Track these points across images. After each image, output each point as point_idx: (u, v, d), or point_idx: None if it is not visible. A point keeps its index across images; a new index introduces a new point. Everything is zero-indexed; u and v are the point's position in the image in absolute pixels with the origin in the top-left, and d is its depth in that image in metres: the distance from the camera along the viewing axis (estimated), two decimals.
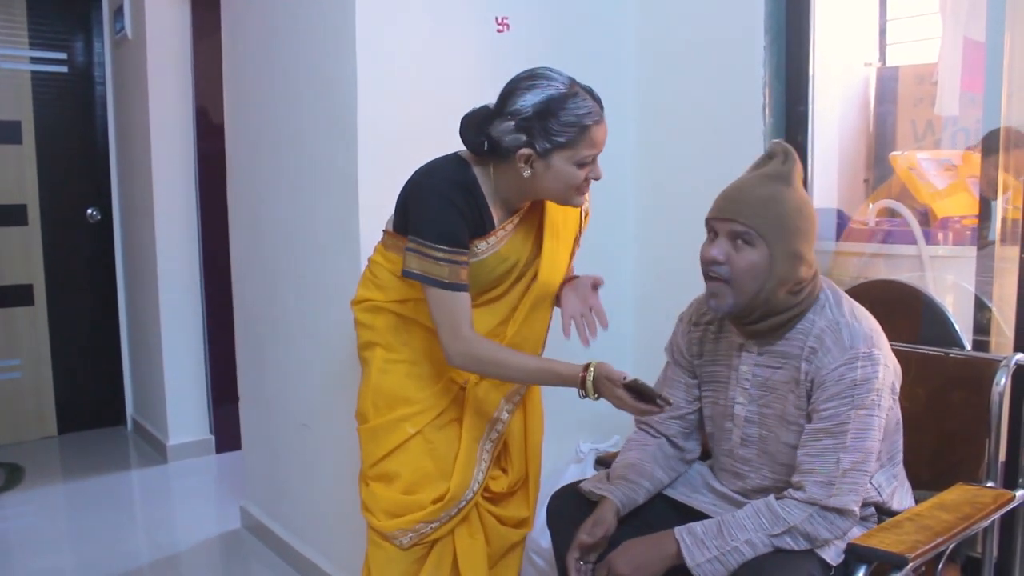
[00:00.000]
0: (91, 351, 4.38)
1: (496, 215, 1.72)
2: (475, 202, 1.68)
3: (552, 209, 1.78)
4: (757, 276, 1.50)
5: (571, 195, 1.68)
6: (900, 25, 3.05)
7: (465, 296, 1.67)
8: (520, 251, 1.78)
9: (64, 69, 4.22)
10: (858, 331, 1.50)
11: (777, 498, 1.48)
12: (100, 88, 4.29)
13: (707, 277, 1.56)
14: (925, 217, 2.53)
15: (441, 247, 1.63)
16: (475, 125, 1.67)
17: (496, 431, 1.83)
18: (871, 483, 1.56)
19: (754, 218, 1.50)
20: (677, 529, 1.50)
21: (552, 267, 1.80)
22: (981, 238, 2.24)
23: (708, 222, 1.57)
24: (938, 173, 2.55)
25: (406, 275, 1.68)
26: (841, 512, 1.45)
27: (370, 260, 1.85)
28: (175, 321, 3.88)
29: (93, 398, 4.40)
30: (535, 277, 1.80)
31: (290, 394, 2.71)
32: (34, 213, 4.15)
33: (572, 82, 1.64)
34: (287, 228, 2.62)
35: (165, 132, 3.78)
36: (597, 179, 1.69)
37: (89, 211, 4.31)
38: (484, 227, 1.71)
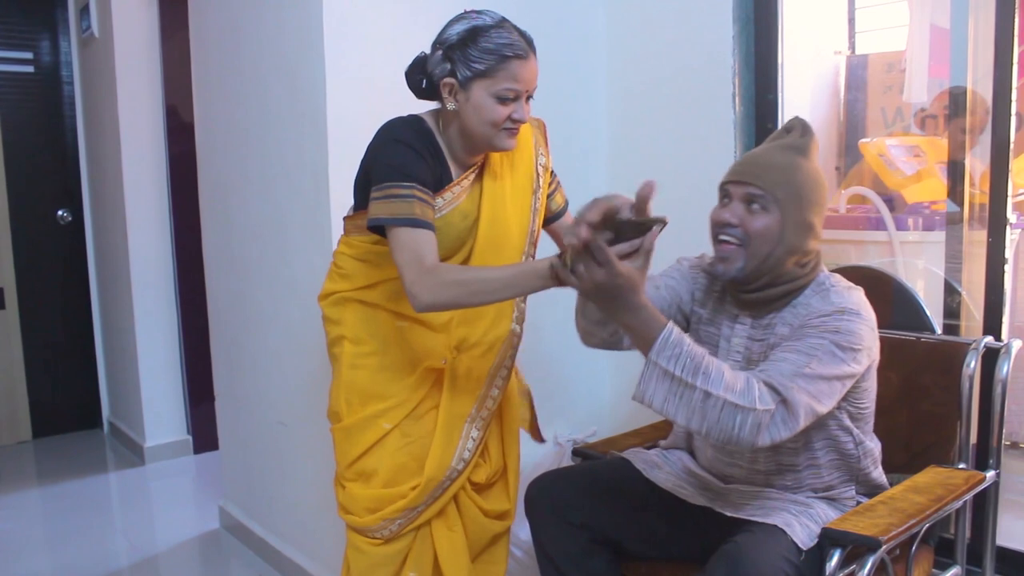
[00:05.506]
0: (65, 354, 4.33)
1: (453, 169, 1.71)
2: (434, 150, 1.68)
3: (494, 156, 1.76)
4: (768, 240, 1.52)
5: (495, 134, 1.64)
6: (869, 13, 3.08)
7: (432, 235, 1.61)
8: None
9: (30, 69, 4.16)
10: (847, 298, 1.52)
11: (763, 381, 1.41)
12: (68, 88, 4.24)
13: (717, 241, 1.57)
14: (894, 203, 2.56)
15: (409, 184, 1.60)
16: (419, 66, 1.69)
17: (487, 408, 1.79)
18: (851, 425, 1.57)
19: (770, 183, 1.52)
20: (672, 324, 1.39)
21: (493, 211, 1.74)
22: (953, 194, 2.26)
23: (722, 187, 1.59)
24: (907, 159, 2.58)
25: (371, 224, 1.63)
26: (794, 416, 1.39)
27: (334, 254, 1.83)
28: (149, 322, 3.85)
29: (68, 401, 4.35)
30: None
31: (266, 392, 2.70)
32: (3, 215, 4.09)
33: (503, 20, 1.64)
34: (259, 225, 2.60)
35: (135, 131, 3.74)
36: (522, 121, 1.65)
37: (60, 212, 4.26)
38: (443, 178, 1.69)
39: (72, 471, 3.80)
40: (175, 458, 3.92)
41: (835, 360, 1.45)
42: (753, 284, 1.57)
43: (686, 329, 1.73)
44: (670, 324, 1.38)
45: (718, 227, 1.57)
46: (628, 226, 1.35)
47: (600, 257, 1.31)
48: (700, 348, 1.40)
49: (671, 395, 1.38)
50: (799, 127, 1.59)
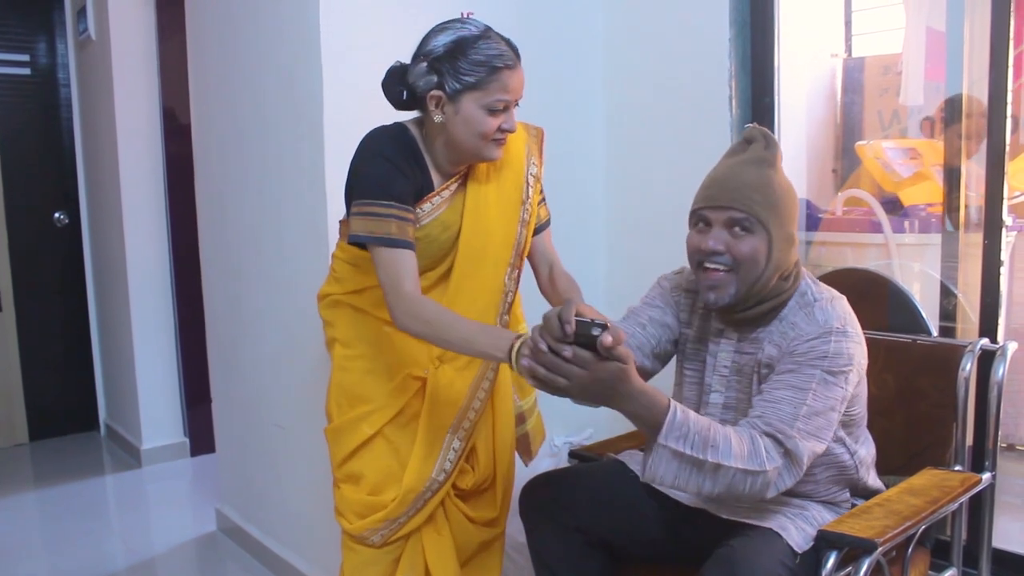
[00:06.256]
0: (62, 356, 4.32)
1: (435, 179, 1.70)
2: (416, 161, 1.66)
3: (480, 164, 1.73)
4: (758, 262, 1.49)
5: (484, 146, 1.63)
6: (865, 16, 3.08)
7: (410, 254, 1.61)
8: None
9: (27, 71, 4.16)
10: (831, 313, 1.50)
11: (765, 433, 1.42)
12: (65, 90, 4.23)
13: (701, 269, 1.53)
14: (893, 206, 2.56)
15: (387, 203, 1.59)
16: (397, 77, 1.65)
17: (469, 420, 1.78)
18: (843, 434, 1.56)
19: (752, 204, 1.48)
20: (674, 404, 1.39)
21: (475, 222, 1.72)
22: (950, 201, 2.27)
23: (698, 212, 1.54)
24: (903, 162, 2.59)
25: (352, 240, 1.62)
26: (798, 465, 1.42)
27: (332, 256, 1.84)
28: (146, 324, 3.85)
29: (65, 404, 4.34)
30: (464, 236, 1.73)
31: (263, 394, 2.70)
32: None
33: (487, 29, 1.61)
34: (255, 227, 2.60)
35: (132, 133, 3.74)
36: (511, 131, 1.64)
37: (56, 215, 4.25)
38: (425, 188, 1.68)
39: (69, 474, 3.79)
40: (172, 461, 3.91)
41: (828, 387, 1.45)
42: (743, 306, 1.55)
43: (675, 352, 1.73)
44: (672, 405, 1.38)
45: (701, 255, 1.53)
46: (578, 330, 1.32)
47: (577, 361, 1.31)
48: (704, 419, 1.40)
49: (681, 472, 1.39)
50: (761, 137, 1.54)
